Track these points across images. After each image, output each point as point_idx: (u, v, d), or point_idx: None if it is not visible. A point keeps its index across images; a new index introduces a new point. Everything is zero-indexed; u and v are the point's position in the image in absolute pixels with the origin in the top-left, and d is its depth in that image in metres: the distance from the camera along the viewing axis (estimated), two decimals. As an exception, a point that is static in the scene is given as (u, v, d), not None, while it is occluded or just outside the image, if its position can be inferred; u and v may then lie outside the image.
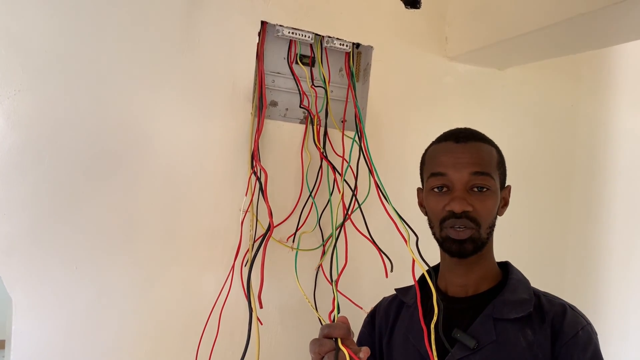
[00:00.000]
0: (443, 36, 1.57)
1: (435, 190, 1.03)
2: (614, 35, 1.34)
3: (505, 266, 1.09)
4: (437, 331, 1.02)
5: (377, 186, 1.30)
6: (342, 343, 0.81)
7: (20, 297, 1.13)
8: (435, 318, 0.90)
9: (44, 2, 1.12)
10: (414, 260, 0.95)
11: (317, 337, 0.86)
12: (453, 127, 1.12)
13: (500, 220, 1.09)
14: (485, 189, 0.99)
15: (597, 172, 1.91)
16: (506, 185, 1.08)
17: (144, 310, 1.24)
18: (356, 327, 1.36)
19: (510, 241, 1.69)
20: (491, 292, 1.03)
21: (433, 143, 1.09)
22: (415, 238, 1.17)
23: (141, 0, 1.21)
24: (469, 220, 0.98)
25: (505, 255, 1.14)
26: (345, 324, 0.85)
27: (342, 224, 1.34)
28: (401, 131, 1.52)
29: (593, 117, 1.89)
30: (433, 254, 1.10)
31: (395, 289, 1.17)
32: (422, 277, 1.15)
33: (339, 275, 1.22)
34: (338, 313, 0.93)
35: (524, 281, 1.05)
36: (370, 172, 1.33)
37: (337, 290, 1.05)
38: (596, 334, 0.98)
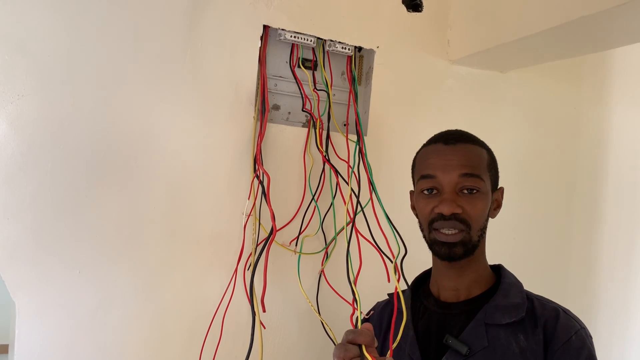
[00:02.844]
0: (445, 39, 1.58)
1: (425, 192, 1.03)
2: (616, 38, 1.34)
3: (498, 269, 1.08)
4: (429, 338, 1.02)
5: (371, 193, 1.31)
6: (367, 350, 0.81)
7: (24, 301, 1.13)
8: (399, 337, 0.91)
9: (47, 7, 1.13)
10: (396, 288, 0.97)
11: (331, 341, 0.86)
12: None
13: (502, 223, 1.09)
14: (475, 191, 0.99)
15: (600, 174, 1.91)
16: (499, 187, 1.07)
17: (147, 314, 1.24)
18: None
19: (513, 244, 1.70)
20: (483, 297, 1.03)
21: (423, 146, 1.09)
22: (403, 252, 1.18)
23: (144, 5, 1.21)
24: (458, 222, 0.98)
25: (508, 258, 1.14)
26: (370, 331, 0.84)
27: (345, 228, 1.35)
28: (403, 134, 1.52)
29: (596, 120, 1.89)
30: (427, 257, 1.10)
31: (388, 294, 1.17)
32: (417, 279, 1.15)
33: (356, 277, 1.22)
34: (360, 315, 0.93)
35: (517, 284, 1.04)
36: (368, 178, 1.34)
37: (356, 291, 1.05)
38: (591, 338, 0.97)
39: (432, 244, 1.03)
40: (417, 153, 1.10)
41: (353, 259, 1.32)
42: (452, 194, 0.99)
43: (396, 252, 1.21)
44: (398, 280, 1.08)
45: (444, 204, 0.98)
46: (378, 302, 1.21)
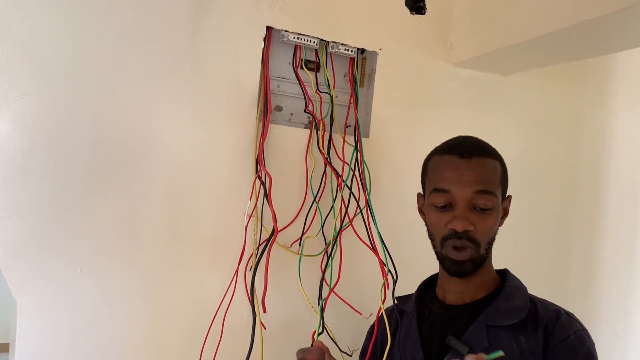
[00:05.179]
0: (448, 42, 1.58)
1: (438, 206, 1.02)
2: (619, 42, 1.34)
3: (504, 274, 1.09)
4: (433, 340, 1.03)
5: (368, 206, 1.33)
6: None
7: (25, 300, 1.13)
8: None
9: (51, 7, 1.13)
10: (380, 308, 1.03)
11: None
12: (458, 133, 1.11)
13: (503, 227, 1.09)
14: (487, 209, 0.99)
15: (602, 178, 1.90)
16: (507, 195, 1.07)
17: (147, 314, 1.24)
18: (355, 331, 1.36)
19: (514, 248, 1.69)
20: (487, 300, 1.04)
21: (436, 152, 1.07)
22: (394, 275, 1.22)
23: (147, 5, 1.21)
24: (468, 241, 0.99)
25: (509, 261, 1.13)
26: (320, 348, 0.87)
27: (339, 234, 1.35)
28: (406, 136, 1.52)
29: (598, 123, 1.88)
30: (427, 258, 1.10)
31: (397, 297, 1.18)
32: (423, 284, 1.16)
33: (326, 299, 1.25)
34: (320, 333, 0.96)
35: (521, 288, 1.05)
36: (363, 187, 1.36)
37: (323, 311, 1.09)
38: (592, 341, 0.97)
39: (443, 259, 1.04)
40: (429, 159, 1.08)
41: (346, 266, 1.33)
42: (465, 209, 0.99)
43: (388, 263, 1.23)
44: (383, 302, 1.12)
45: (457, 221, 0.98)
46: (386, 309, 1.22)
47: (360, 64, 1.49)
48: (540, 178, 1.77)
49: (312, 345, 1.06)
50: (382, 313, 1.13)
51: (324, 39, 1.40)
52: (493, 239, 1.03)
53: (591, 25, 1.15)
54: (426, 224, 1.08)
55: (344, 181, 1.37)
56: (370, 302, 1.28)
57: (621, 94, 1.91)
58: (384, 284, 1.16)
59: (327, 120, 1.41)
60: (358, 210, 1.38)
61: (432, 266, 1.12)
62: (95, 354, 1.19)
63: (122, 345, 1.22)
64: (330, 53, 1.44)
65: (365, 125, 1.48)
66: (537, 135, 1.76)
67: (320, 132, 1.38)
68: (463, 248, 0.99)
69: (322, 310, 1.21)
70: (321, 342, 0.91)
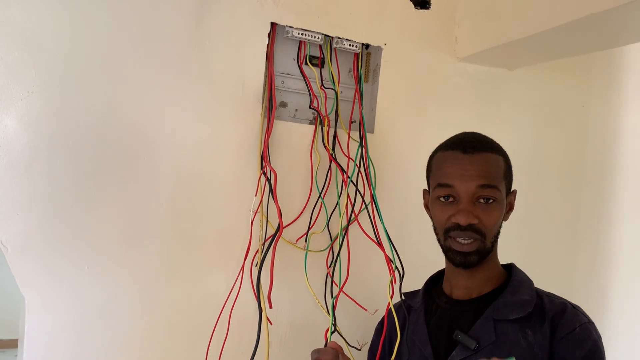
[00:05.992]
0: (453, 36, 1.57)
1: (442, 199, 1.03)
2: (625, 35, 1.33)
3: (510, 268, 1.10)
4: (440, 334, 1.03)
5: (373, 201, 1.34)
6: None
7: (33, 296, 1.14)
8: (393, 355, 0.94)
9: (56, 5, 1.13)
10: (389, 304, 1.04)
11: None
12: (463, 128, 1.12)
13: (510, 222, 1.09)
14: (491, 201, 1.00)
15: (608, 172, 1.89)
16: (512, 190, 1.08)
17: (154, 310, 1.25)
18: (362, 328, 1.36)
19: (520, 243, 1.69)
20: (494, 294, 1.04)
21: (440, 148, 1.08)
22: (400, 271, 1.23)
23: (152, 3, 1.22)
24: (474, 232, 0.99)
25: (516, 257, 1.14)
26: (334, 349, 0.91)
27: (346, 228, 1.35)
28: (410, 131, 1.52)
29: (604, 117, 1.88)
30: (433, 255, 1.11)
31: (404, 293, 1.18)
32: (429, 281, 1.16)
33: (336, 298, 1.25)
34: (332, 333, 0.97)
35: (527, 282, 1.06)
36: (368, 183, 1.36)
37: (334, 309, 1.09)
38: (598, 334, 0.98)
39: (447, 251, 1.05)
40: (433, 156, 1.10)
41: (352, 262, 1.33)
42: (469, 204, 0.99)
43: (395, 259, 1.23)
44: (391, 297, 1.13)
45: (461, 215, 0.99)
46: (394, 304, 1.22)
47: (364, 60, 1.49)
48: (546, 173, 1.76)
49: (325, 345, 1.07)
50: (390, 309, 1.13)
51: (328, 34, 1.40)
52: (498, 233, 1.04)
53: (597, 19, 1.14)
54: (432, 220, 1.09)
55: (349, 177, 1.37)
56: (377, 298, 1.28)
57: (628, 87, 1.90)
58: (391, 281, 1.16)
59: (331, 116, 1.41)
60: (363, 206, 1.38)
61: (439, 262, 1.13)
62: (103, 350, 1.20)
63: (129, 341, 1.22)
64: (335, 49, 1.44)
65: (370, 120, 1.48)
66: (543, 129, 1.76)
67: (325, 128, 1.38)
68: (468, 240, 1.00)
69: (334, 308, 1.21)
70: (335, 342, 0.92)
